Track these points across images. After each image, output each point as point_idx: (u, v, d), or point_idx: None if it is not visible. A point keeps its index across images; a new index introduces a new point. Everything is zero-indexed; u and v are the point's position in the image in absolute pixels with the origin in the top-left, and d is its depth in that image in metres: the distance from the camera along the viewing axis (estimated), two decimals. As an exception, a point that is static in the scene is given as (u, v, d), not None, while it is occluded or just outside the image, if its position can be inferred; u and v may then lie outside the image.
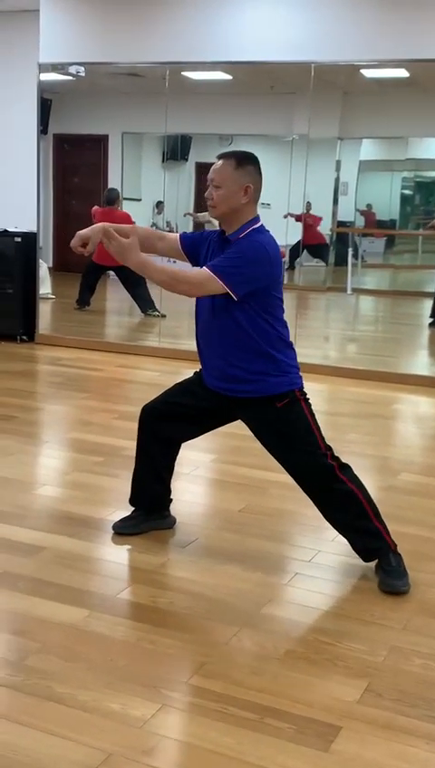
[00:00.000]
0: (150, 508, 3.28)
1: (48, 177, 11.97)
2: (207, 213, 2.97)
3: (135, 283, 8.31)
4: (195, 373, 3.16)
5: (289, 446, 2.95)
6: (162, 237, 3.11)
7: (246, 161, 2.89)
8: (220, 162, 2.89)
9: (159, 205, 11.40)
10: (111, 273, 8.55)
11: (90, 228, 2.93)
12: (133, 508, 3.28)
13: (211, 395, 3.02)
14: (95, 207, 8.84)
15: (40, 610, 2.63)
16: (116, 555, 3.09)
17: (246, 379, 2.90)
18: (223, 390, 2.97)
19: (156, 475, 3.22)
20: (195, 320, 3.03)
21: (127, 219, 8.45)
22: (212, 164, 3.00)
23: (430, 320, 8.25)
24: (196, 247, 3.02)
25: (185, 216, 10.91)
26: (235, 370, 2.90)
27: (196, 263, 3.02)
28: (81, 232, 2.93)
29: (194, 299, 2.97)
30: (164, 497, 3.29)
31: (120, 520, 3.27)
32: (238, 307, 2.82)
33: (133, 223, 8.85)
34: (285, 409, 2.91)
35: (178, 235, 3.08)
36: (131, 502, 3.28)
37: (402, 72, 7.53)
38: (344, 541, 3.23)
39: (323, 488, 2.95)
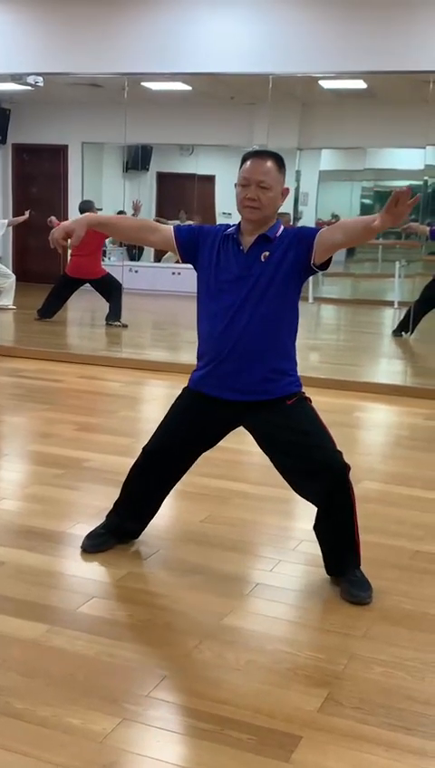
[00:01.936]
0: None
1: (7, 187, 11.90)
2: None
3: (111, 294, 8.37)
4: (181, 397, 3.04)
5: (305, 442, 2.84)
6: (155, 230, 3.00)
7: (283, 163, 2.83)
8: (265, 163, 2.77)
9: (121, 214, 11.39)
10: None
11: (74, 220, 2.84)
12: (102, 521, 3.23)
13: (212, 410, 2.92)
14: (54, 220, 8.77)
15: (-1, 626, 2.61)
16: (76, 569, 3.07)
17: (266, 379, 2.85)
18: (236, 397, 2.87)
19: (154, 509, 3.20)
20: (211, 325, 2.89)
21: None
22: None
23: (395, 329, 8.31)
24: (192, 241, 2.92)
25: (154, 220, 10.95)
26: (261, 371, 2.84)
27: (190, 257, 2.92)
28: (65, 223, 2.84)
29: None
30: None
31: (87, 538, 3.18)
32: (294, 291, 2.85)
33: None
34: (295, 406, 2.88)
35: (171, 227, 2.97)
36: (112, 524, 3.19)
37: (360, 84, 7.63)
38: (305, 549, 3.25)
39: (332, 490, 2.84)
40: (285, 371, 2.90)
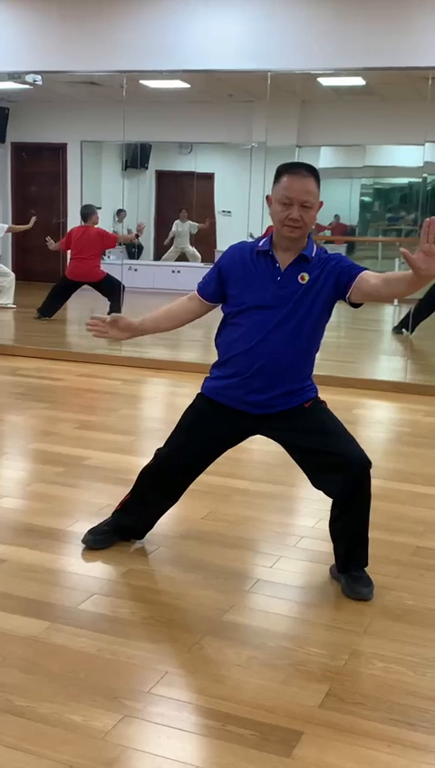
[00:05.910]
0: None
1: (6, 186, 11.89)
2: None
3: (112, 293, 8.45)
4: (196, 405, 3.01)
5: (329, 439, 2.84)
6: (187, 302, 2.98)
7: (319, 176, 2.77)
8: (308, 181, 2.70)
9: (120, 213, 11.40)
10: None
11: (111, 324, 2.94)
12: (104, 518, 3.25)
13: (229, 420, 2.92)
14: (51, 241, 8.80)
15: (0, 623, 2.60)
16: (77, 566, 3.07)
17: (288, 394, 2.85)
18: (256, 411, 2.87)
19: (163, 512, 3.19)
20: (239, 341, 2.84)
21: (100, 235, 8.49)
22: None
23: (396, 325, 8.32)
24: (215, 286, 2.90)
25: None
26: (284, 389, 2.84)
27: (222, 297, 2.90)
28: (116, 335, 2.96)
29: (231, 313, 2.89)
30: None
31: (90, 533, 3.19)
32: (326, 317, 2.87)
33: (113, 237, 8.95)
34: (312, 408, 2.90)
35: (193, 293, 2.95)
36: (118, 522, 3.20)
37: (359, 81, 7.62)
38: (305, 546, 3.26)
39: (355, 483, 2.83)
40: (305, 386, 2.92)
